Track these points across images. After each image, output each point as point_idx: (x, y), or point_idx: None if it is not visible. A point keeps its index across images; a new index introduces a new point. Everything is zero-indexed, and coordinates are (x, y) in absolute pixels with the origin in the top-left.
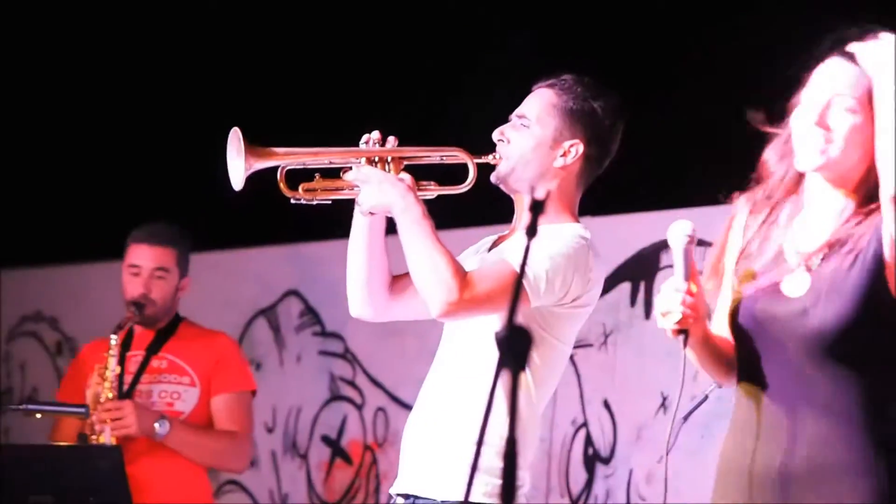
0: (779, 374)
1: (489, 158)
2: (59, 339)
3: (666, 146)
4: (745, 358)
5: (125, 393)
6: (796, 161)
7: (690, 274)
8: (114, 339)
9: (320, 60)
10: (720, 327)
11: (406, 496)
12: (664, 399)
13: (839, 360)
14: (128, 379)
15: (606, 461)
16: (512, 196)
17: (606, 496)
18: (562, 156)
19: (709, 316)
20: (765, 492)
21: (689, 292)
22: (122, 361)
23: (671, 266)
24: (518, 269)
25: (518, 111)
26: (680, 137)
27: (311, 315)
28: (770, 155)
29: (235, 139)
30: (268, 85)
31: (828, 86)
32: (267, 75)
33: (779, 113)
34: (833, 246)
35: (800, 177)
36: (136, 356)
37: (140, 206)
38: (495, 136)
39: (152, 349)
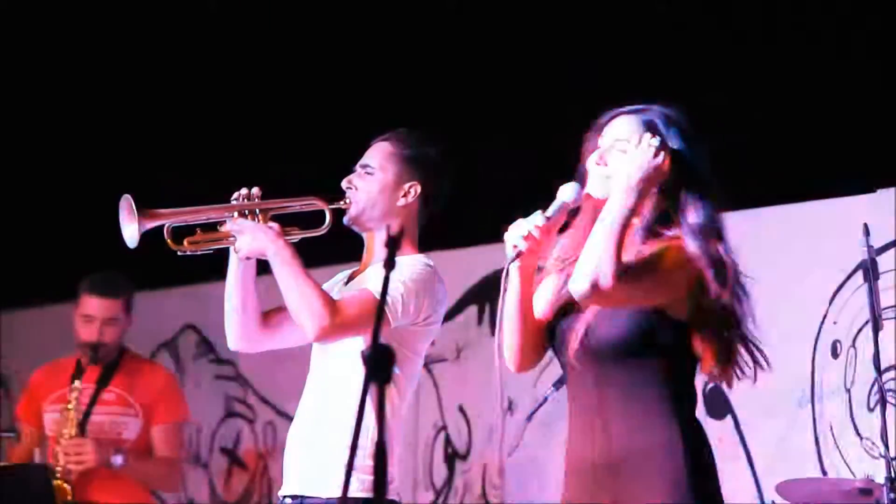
0: (584, 376)
1: (341, 204)
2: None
3: (502, 187)
4: (561, 362)
5: (80, 422)
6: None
7: (553, 223)
8: (77, 383)
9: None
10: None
11: (294, 497)
12: (511, 403)
13: (635, 356)
14: (81, 409)
15: (464, 458)
16: (363, 234)
17: (464, 488)
18: (403, 196)
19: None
20: (596, 483)
21: (544, 228)
22: (73, 391)
23: None
24: (378, 297)
25: (361, 162)
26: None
27: (206, 345)
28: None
29: (127, 205)
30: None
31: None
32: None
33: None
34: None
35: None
36: (87, 388)
37: (53, 260)
38: (344, 184)
39: (102, 382)
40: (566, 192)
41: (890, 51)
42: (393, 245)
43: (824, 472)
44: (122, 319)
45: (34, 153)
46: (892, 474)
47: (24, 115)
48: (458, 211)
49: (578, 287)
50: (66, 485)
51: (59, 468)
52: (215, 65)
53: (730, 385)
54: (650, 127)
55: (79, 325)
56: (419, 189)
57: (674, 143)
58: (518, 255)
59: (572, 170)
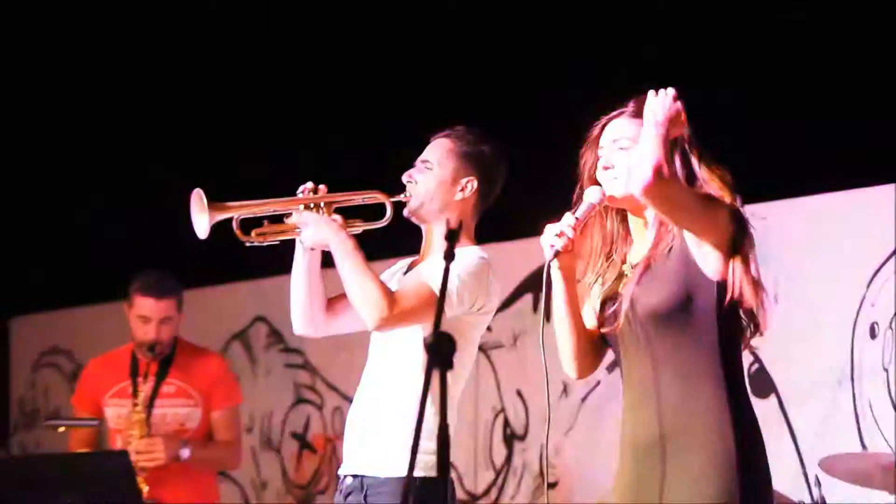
0: (635, 349)
1: (401, 197)
2: (74, 367)
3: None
4: (613, 344)
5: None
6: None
7: (582, 223)
8: (140, 386)
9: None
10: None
11: (355, 476)
12: (565, 386)
13: (679, 321)
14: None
15: (522, 439)
16: (421, 226)
17: (523, 467)
18: (460, 191)
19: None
20: (648, 455)
21: (576, 226)
22: (135, 387)
23: None
24: (436, 288)
25: (422, 157)
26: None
27: (276, 336)
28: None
29: (198, 198)
30: (226, 143)
31: (606, 136)
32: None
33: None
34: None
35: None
36: (147, 383)
37: (127, 256)
38: (404, 178)
39: (160, 376)
40: (592, 194)
41: None
42: (453, 238)
43: (864, 448)
44: (175, 318)
45: (94, 154)
46: None
47: (88, 116)
48: (513, 204)
49: (641, 175)
50: (141, 483)
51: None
52: (277, 65)
53: (762, 331)
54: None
55: (135, 325)
56: (475, 184)
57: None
58: (556, 254)
59: None
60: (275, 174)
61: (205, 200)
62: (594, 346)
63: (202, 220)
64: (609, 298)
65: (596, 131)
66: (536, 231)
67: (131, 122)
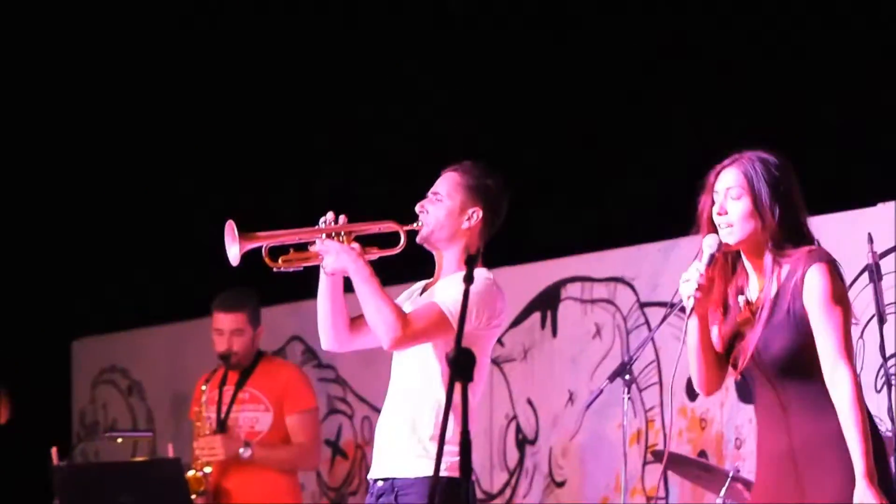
0: (765, 392)
1: (414, 226)
2: (130, 383)
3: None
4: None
5: (222, 420)
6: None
7: (710, 268)
8: (204, 388)
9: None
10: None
11: (385, 479)
12: (570, 394)
13: (795, 375)
14: (223, 409)
15: (532, 443)
16: (433, 252)
17: (534, 468)
18: (467, 220)
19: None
20: (783, 469)
21: (707, 275)
22: (220, 394)
23: (570, 298)
24: (445, 310)
25: (433, 189)
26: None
27: (310, 353)
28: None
29: (230, 229)
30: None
31: (719, 188)
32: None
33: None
34: (773, 298)
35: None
36: (228, 391)
37: (176, 283)
38: (417, 209)
39: (239, 385)
40: (711, 243)
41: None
42: (471, 263)
43: None
44: (247, 330)
45: (145, 186)
46: None
47: (148, 147)
48: (521, 231)
49: None
50: (199, 475)
51: (197, 462)
52: (297, 105)
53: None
54: (748, 178)
55: (213, 338)
56: (481, 214)
57: (761, 184)
58: (693, 307)
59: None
60: (299, 204)
61: (236, 231)
62: (720, 369)
63: (234, 249)
64: (735, 334)
65: (711, 178)
66: (543, 255)
67: (184, 155)
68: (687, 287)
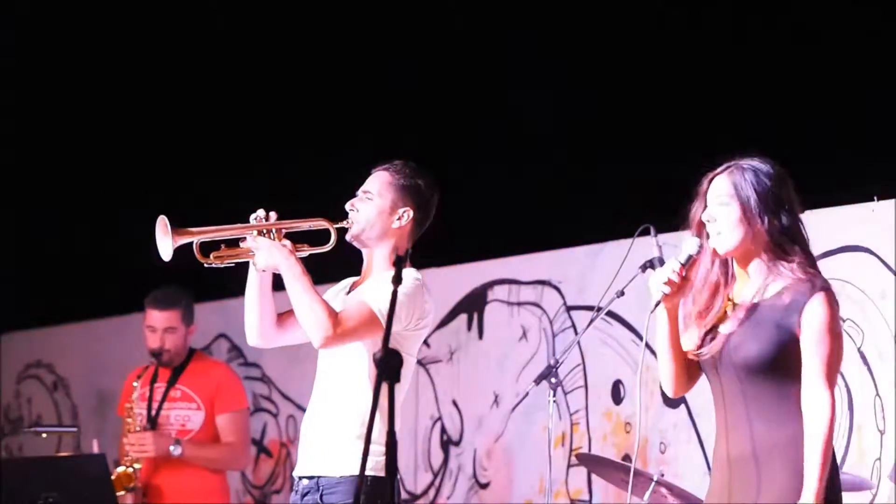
0: (731, 390)
1: (344, 223)
2: (55, 379)
3: (486, 214)
4: (707, 374)
5: (153, 417)
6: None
7: (688, 267)
8: (136, 384)
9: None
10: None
11: (310, 477)
12: (496, 397)
13: (764, 381)
14: (154, 406)
15: (457, 444)
16: (363, 250)
17: (458, 469)
18: (397, 219)
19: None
20: (742, 475)
21: (681, 273)
22: (151, 391)
23: (497, 300)
24: (375, 309)
25: (363, 188)
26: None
27: (236, 351)
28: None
29: (162, 224)
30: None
31: (710, 197)
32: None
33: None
34: (756, 304)
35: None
36: (160, 388)
37: (97, 277)
38: (347, 206)
39: (171, 382)
40: (691, 246)
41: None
42: (400, 263)
43: None
44: (180, 328)
45: (73, 181)
46: None
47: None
48: (448, 233)
49: None
50: (129, 470)
51: (126, 458)
52: (249, 99)
53: None
54: (736, 186)
55: (146, 334)
56: (411, 213)
57: (749, 193)
58: (663, 296)
59: (545, 197)
60: (228, 200)
61: (168, 226)
62: (690, 372)
63: (166, 244)
64: (710, 331)
65: (704, 186)
66: (470, 258)
67: (113, 150)
68: (658, 278)
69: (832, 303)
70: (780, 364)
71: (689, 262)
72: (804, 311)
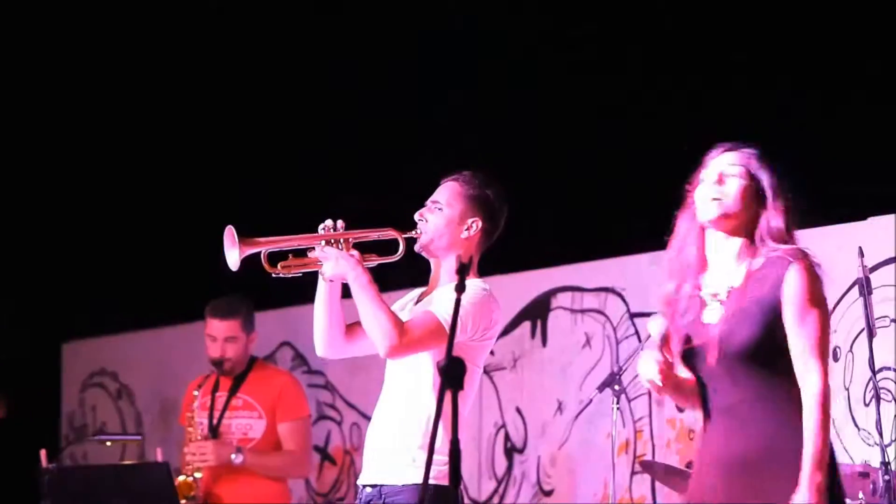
0: (723, 379)
1: (413, 233)
2: (119, 387)
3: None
4: (698, 374)
5: (214, 426)
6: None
7: (663, 347)
8: (196, 393)
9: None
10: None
11: (374, 486)
12: (559, 404)
13: (766, 355)
14: (216, 415)
15: (521, 451)
16: (430, 260)
17: (522, 476)
18: (466, 230)
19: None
20: (731, 477)
21: (663, 361)
22: (213, 400)
23: (560, 308)
24: (442, 319)
25: (432, 198)
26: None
27: (300, 359)
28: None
29: (230, 234)
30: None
31: (717, 164)
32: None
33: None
34: (739, 287)
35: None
36: (221, 397)
37: (166, 288)
38: (416, 217)
39: (232, 391)
40: (655, 328)
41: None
42: (463, 272)
43: None
44: (240, 337)
45: (142, 194)
46: (885, 459)
47: (145, 161)
48: (512, 240)
49: None
50: (189, 480)
51: (187, 467)
52: (296, 110)
53: None
54: (749, 159)
55: (207, 344)
56: (480, 224)
57: (762, 175)
58: (658, 388)
59: (606, 203)
60: (296, 209)
61: (236, 236)
62: (693, 391)
63: (233, 254)
64: (692, 331)
65: (712, 155)
66: (534, 265)
67: (174, 166)
68: (647, 372)
69: (812, 273)
70: (773, 346)
71: (664, 342)
72: (784, 282)
